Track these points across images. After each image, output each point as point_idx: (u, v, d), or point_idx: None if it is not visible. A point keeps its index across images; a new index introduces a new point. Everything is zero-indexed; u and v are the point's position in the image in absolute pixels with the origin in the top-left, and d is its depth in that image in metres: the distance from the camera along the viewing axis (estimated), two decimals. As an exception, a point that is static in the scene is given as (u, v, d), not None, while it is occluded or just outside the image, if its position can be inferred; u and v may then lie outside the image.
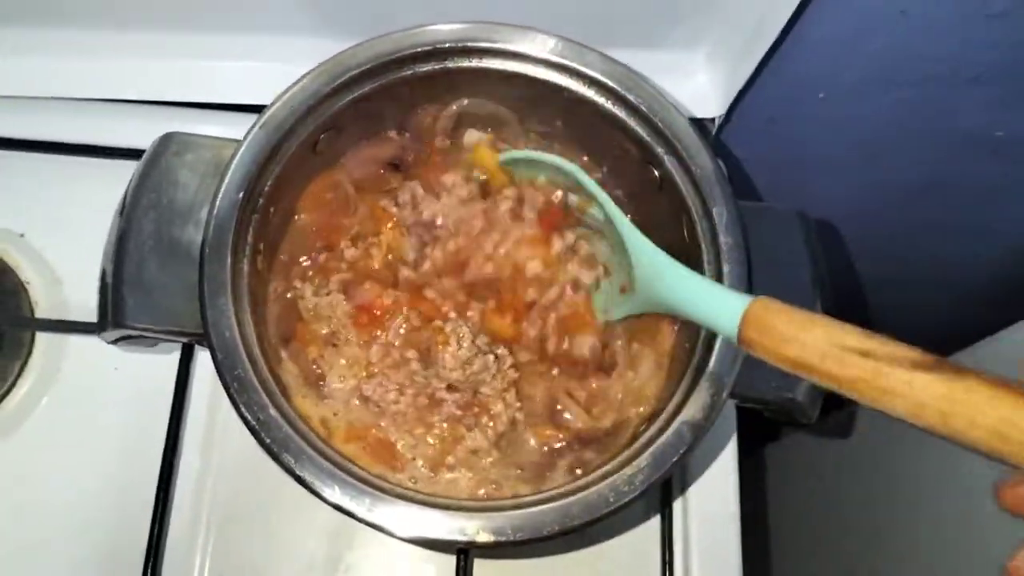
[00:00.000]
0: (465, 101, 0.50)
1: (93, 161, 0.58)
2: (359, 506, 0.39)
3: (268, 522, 0.52)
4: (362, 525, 0.50)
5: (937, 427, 0.28)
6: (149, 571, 0.49)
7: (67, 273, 0.57)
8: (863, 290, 0.80)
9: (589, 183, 0.46)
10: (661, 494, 0.52)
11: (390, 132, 0.50)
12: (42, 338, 0.55)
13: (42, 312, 0.55)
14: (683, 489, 0.54)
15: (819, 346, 0.30)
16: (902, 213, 0.76)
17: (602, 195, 0.45)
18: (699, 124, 0.59)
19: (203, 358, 0.54)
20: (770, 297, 0.34)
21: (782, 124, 0.66)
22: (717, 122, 0.62)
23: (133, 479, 0.52)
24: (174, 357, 0.54)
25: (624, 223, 0.44)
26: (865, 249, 0.77)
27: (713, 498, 0.53)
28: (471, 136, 0.51)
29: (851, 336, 0.30)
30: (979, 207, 0.75)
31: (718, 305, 0.35)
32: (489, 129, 0.51)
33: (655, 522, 0.52)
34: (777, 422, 0.50)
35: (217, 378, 0.52)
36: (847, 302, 0.80)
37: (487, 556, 0.51)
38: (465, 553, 0.49)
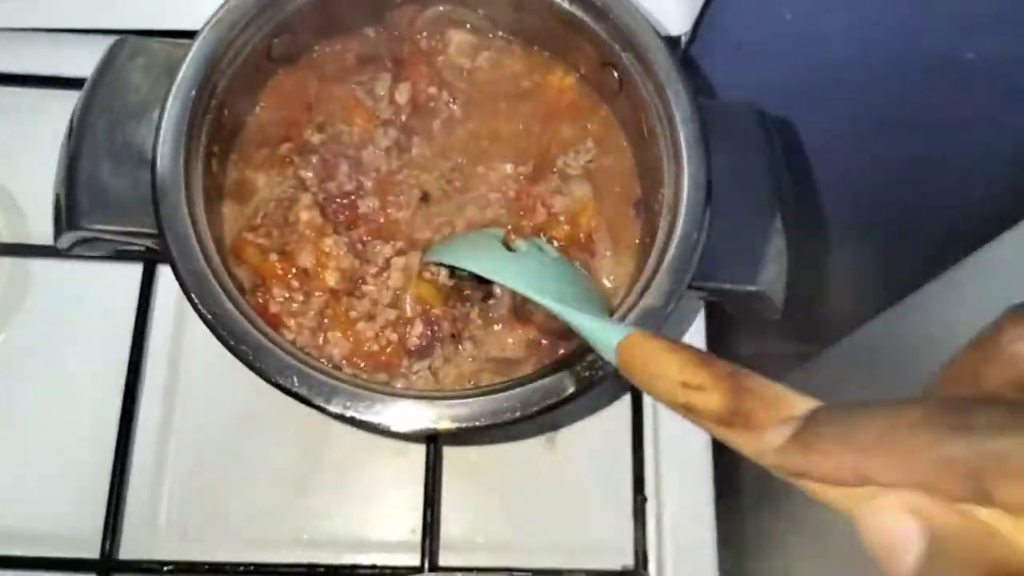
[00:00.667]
0: (440, 8, 0.50)
1: (40, 92, 0.57)
2: (317, 395, 0.39)
3: (237, 439, 0.52)
4: (332, 436, 0.52)
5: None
6: (115, 490, 0.49)
7: (29, 204, 0.56)
8: (821, 202, 0.80)
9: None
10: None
11: (365, 29, 0.49)
12: (4, 267, 0.54)
13: (3, 240, 0.55)
14: None
15: (661, 385, 0.31)
16: (867, 143, 0.75)
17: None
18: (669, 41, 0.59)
19: (165, 280, 0.54)
20: (642, 331, 0.34)
21: (748, 47, 0.66)
22: (683, 41, 0.62)
23: (99, 405, 0.52)
24: (136, 282, 0.53)
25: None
26: (827, 167, 0.77)
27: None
28: (455, 36, 0.51)
29: (678, 378, 0.30)
30: (947, 137, 0.75)
31: (603, 337, 0.35)
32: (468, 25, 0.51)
33: (626, 405, 0.53)
34: (742, 318, 0.50)
35: (179, 294, 0.53)
36: (805, 209, 0.80)
37: (456, 444, 0.52)
38: (434, 440, 0.49)
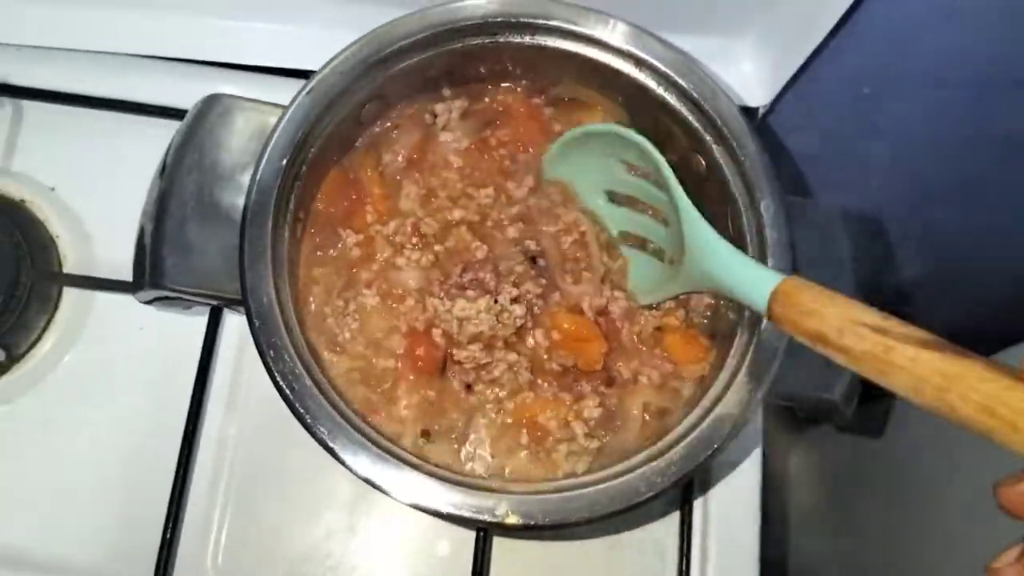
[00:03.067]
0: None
1: (128, 117, 0.57)
2: (388, 481, 0.39)
3: (287, 488, 0.52)
4: (380, 495, 0.51)
5: (933, 402, 0.29)
6: (169, 529, 0.49)
7: (97, 229, 0.56)
8: (901, 288, 0.79)
9: (649, 148, 0.44)
10: (682, 488, 0.52)
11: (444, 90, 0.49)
12: (69, 294, 0.55)
13: (70, 267, 0.55)
14: (704, 487, 0.53)
15: (837, 321, 0.32)
16: (935, 215, 0.74)
17: (660, 160, 0.43)
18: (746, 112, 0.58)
19: (230, 321, 0.54)
20: (800, 276, 0.36)
21: (825, 117, 0.65)
22: (760, 112, 0.61)
23: (155, 439, 0.52)
24: (200, 319, 0.53)
25: (680, 193, 0.42)
26: (899, 248, 0.76)
27: (735, 496, 0.53)
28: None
29: (868, 314, 0.32)
30: (1016, 212, 0.74)
31: (754, 281, 0.37)
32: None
33: (674, 516, 0.52)
34: (809, 420, 0.49)
35: (242, 341, 0.53)
36: (886, 301, 0.79)
37: (505, 535, 0.51)
38: (485, 531, 0.49)
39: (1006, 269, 0.77)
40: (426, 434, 0.44)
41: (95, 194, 0.56)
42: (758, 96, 0.59)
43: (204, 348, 0.52)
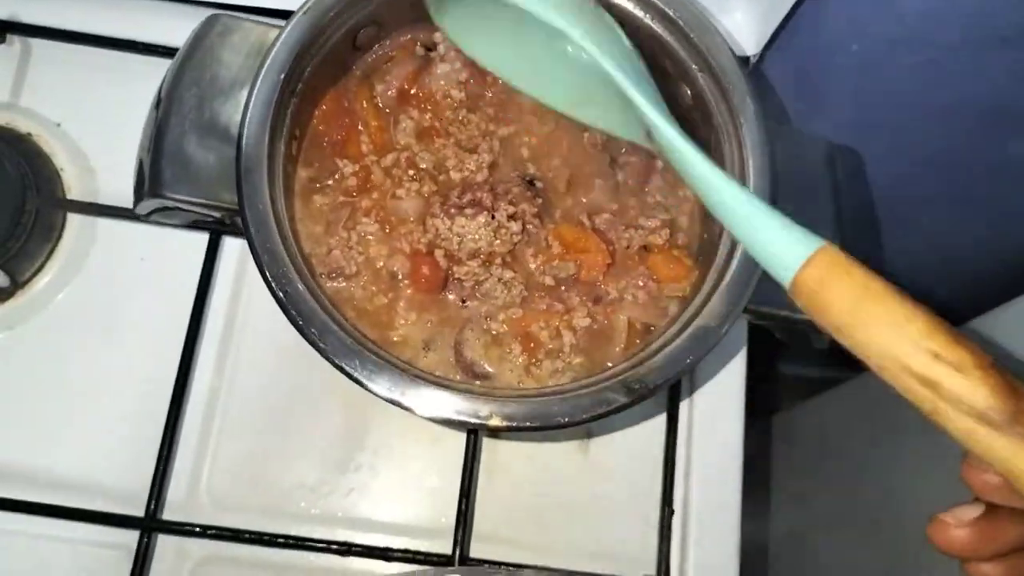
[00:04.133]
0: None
1: (133, 57, 0.58)
2: (375, 381, 0.40)
3: (282, 416, 0.53)
4: (376, 417, 0.53)
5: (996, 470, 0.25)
6: (164, 455, 0.50)
7: (101, 163, 0.58)
8: (877, 231, 0.80)
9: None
10: (669, 394, 0.54)
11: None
12: (72, 224, 0.56)
13: (75, 197, 0.56)
14: (692, 390, 0.55)
15: (878, 345, 0.26)
16: (916, 182, 0.75)
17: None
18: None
19: (229, 251, 0.55)
20: (839, 250, 0.29)
21: (813, 73, 0.66)
22: (752, 63, 0.62)
23: (153, 366, 0.53)
24: (200, 251, 0.55)
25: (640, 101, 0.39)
26: (882, 199, 0.77)
27: (720, 402, 0.55)
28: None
29: (924, 344, 0.25)
30: (995, 182, 0.75)
31: (778, 240, 0.30)
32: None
33: (661, 418, 0.54)
34: (788, 344, 0.50)
35: (239, 270, 0.55)
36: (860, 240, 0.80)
37: (495, 437, 0.53)
38: (475, 433, 0.51)
39: (983, 237, 0.78)
40: (425, 346, 0.45)
41: (100, 130, 0.58)
42: (750, 45, 0.61)
43: (202, 277, 0.53)
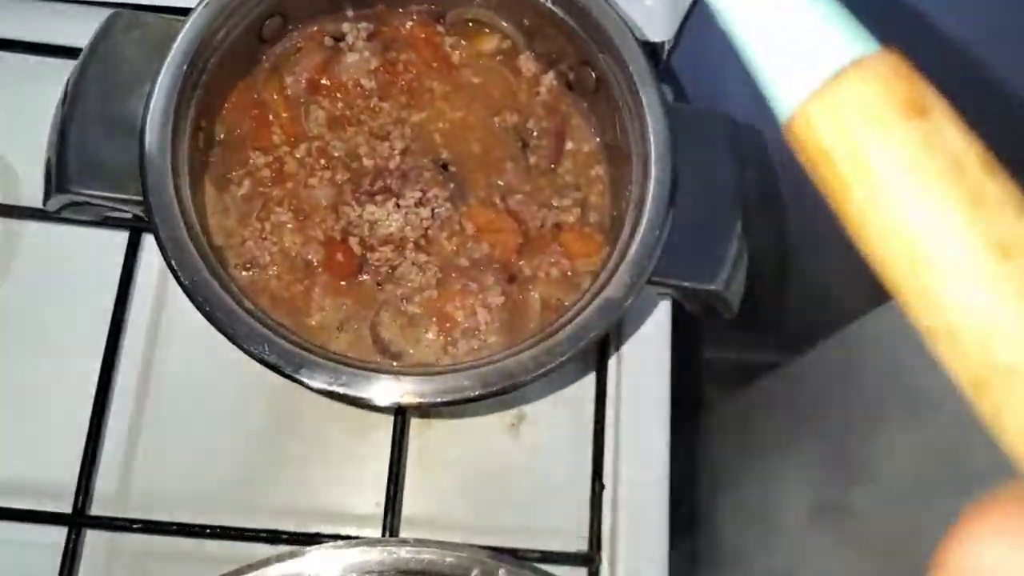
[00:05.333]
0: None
1: (48, 60, 0.58)
2: (287, 364, 0.41)
3: (211, 406, 0.53)
4: (305, 408, 0.53)
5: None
6: (89, 453, 0.50)
7: (21, 168, 0.58)
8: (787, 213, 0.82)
9: None
10: (597, 370, 0.55)
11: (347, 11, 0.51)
12: (-5, 230, 0.56)
13: (-5, 204, 0.56)
14: (620, 368, 0.56)
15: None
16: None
17: None
18: (651, 48, 0.61)
19: (151, 248, 0.55)
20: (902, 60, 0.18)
21: (719, 56, 0.68)
22: (667, 47, 0.63)
23: (80, 365, 0.53)
24: (121, 249, 0.55)
25: None
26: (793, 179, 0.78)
27: (647, 379, 0.56)
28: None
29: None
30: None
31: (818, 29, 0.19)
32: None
33: (590, 397, 0.55)
34: (701, 317, 0.52)
35: (164, 269, 0.55)
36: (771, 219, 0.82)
37: (423, 417, 0.53)
38: (402, 413, 0.51)
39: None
40: (339, 327, 0.46)
41: (16, 134, 0.58)
42: (661, 31, 0.62)
43: (124, 268, 0.53)
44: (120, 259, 0.54)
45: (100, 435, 0.51)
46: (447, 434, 0.55)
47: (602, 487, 0.54)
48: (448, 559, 0.45)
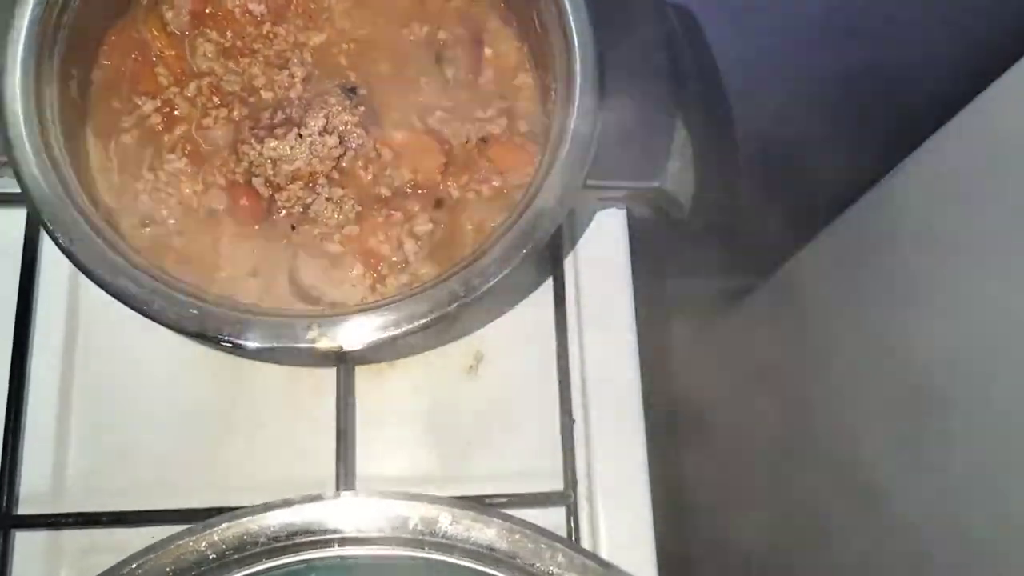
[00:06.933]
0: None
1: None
2: (189, 320, 0.37)
3: (144, 385, 0.49)
4: (244, 376, 0.49)
5: None
6: (8, 451, 0.46)
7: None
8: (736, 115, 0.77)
9: None
10: (555, 295, 0.51)
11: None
12: None
13: None
14: (578, 293, 0.52)
15: None
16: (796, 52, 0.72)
17: None
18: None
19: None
20: None
21: None
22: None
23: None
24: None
25: None
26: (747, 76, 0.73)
27: (608, 301, 0.52)
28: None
29: None
30: (878, 45, 0.71)
31: None
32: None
33: (549, 327, 0.51)
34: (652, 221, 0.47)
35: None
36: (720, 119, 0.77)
37: (367, 361, 0.49)
38: (342, 360, 0.47)
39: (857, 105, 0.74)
40: (253, 273, 0.42)
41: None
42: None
43: (27, 248, 0.49)
44: (20, 234, 0.50)
45: (19, 429, 0.47)
46: (401, 384, 0.51)
47: (572, 421, 0.50)
48: (402, 511, 0.41)
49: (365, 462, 0.49)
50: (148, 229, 0.42)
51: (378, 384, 0.51)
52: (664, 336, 0.90)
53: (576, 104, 0.40)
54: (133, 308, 0.37)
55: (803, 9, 0.63)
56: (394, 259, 0.43)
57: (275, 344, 0.37)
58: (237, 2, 0.45)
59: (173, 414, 0.49)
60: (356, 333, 0.37)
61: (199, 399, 0.49)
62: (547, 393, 0.51)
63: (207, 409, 0.49)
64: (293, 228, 0.43)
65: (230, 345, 0.36)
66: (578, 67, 0.41)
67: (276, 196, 0.43)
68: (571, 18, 0.41)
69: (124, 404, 0.49)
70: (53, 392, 0.49)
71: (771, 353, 0.76)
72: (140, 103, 0.44)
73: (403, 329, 0.37)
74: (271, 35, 0.45)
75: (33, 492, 0.48)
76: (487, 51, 0.46)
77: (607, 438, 0.51)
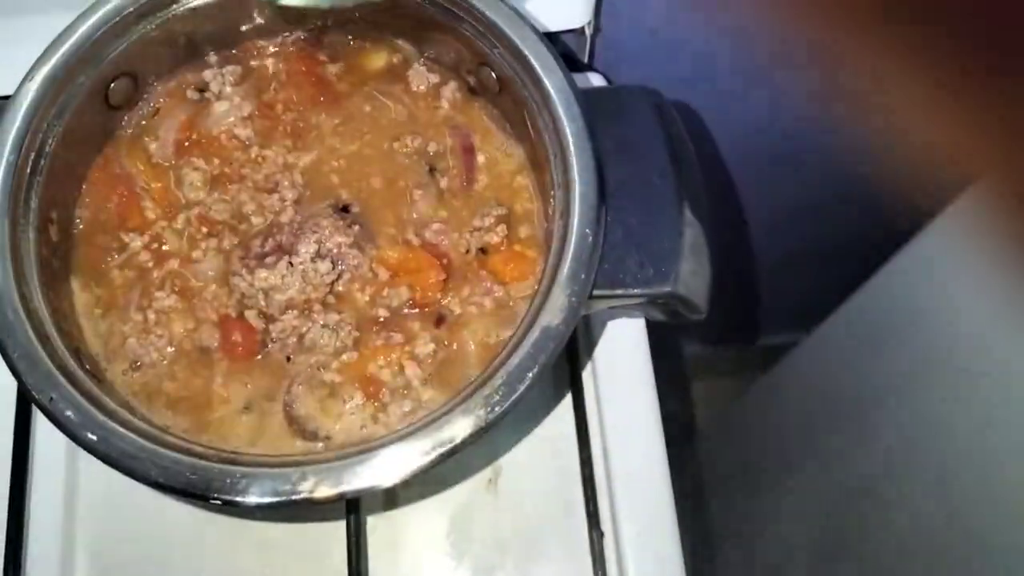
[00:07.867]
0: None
1: None
2: (179, 478, 0.34)
3: (150, 556, 0.46)
4: (253, 537, 0.46)
5: None
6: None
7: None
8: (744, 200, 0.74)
9: None
10: (574, 402, 0.48)
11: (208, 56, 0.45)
12: None
13: None
14: (598, 397, 0.49)
15: None
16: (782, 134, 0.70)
17: None
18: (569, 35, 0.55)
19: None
20: None
21: (665, 33, 0.61)
22: (589, 33, 0.57)
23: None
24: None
25: None
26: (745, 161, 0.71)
27: (631, 406, 0.48)
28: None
29: None
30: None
31: None
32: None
33: (571, 433, 0.48)
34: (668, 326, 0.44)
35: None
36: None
37: (379, 510, 0.46)
38: (356, 511, 0.44)
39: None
40: (246, 407, 0.40)
41: None
42: (579, 16, 0.56)
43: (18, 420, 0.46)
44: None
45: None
46: (414, 512, 0.48)
47: (601, 535, 0.47)
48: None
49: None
50: (137, 374, 0.40)
51: (387, 516, 0.47)
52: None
53: (576, 214, 0.38)
54: (107, 463, 0.34)
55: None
56: (395, 385, 0.40)
57: (261, 500, 0.34)
58: (223, 128, 0.44)
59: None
60: (359, 477, 0.35)
61: (207, 565, 0.46)
62: (572, 505, 0.48)
63: (214, 558, 0.46)
64: (288, 359, 0.41)
65: (219, 503, 0.34)
66: (575, 169, 0.39)
67: (270, 327, 0.40)
68: (566, 125, 0.39)
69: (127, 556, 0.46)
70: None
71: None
72: (128, 239, 0.42)
73: (410, 470, 0.34)
74: (259, 159, 0.44)
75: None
76: (480, 157, 0.44)
77: (640, 551, 0.47)
